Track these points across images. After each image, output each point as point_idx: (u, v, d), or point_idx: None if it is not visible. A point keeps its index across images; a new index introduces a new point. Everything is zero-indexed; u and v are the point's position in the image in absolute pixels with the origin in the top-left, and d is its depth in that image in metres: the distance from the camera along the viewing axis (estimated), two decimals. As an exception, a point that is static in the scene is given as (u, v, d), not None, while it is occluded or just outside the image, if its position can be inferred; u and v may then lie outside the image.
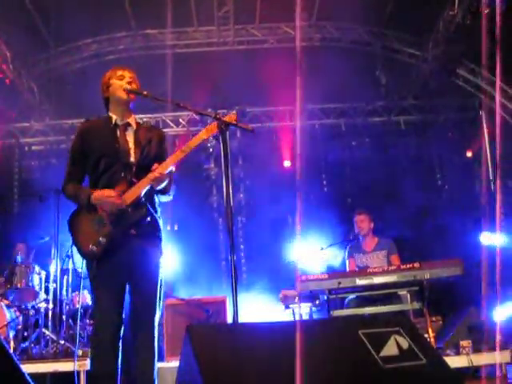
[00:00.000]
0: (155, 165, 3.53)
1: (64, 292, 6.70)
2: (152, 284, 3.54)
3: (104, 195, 3.49)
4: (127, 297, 3.55)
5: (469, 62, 9.53)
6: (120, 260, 3.47)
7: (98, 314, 3.52)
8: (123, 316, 3.52)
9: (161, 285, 3.58)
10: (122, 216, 3.49)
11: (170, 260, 7.95)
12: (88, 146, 3.63)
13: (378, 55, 9.81)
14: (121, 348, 3.49)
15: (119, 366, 3.45)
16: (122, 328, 3.51)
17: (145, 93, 3.60)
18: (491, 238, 8.14)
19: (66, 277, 6.71)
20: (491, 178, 9.52)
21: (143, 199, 3.54)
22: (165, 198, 3.76)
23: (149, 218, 3.58)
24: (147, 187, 3.51)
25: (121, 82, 3.65)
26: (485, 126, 9.89)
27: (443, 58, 8.91)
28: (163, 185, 3.57)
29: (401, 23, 9.15)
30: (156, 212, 3.66)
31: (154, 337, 3.49)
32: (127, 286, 3.55)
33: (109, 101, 3.75)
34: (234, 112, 3.50)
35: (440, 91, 9.82)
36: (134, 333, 3.52)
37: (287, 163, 10.11)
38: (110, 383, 3.39)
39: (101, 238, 3.45)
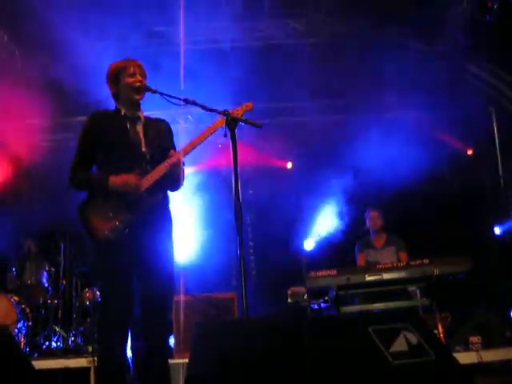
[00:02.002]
0: (172, 151, 3.57)
1: (74, 288, 6.73)
2: (165, 273, 3.55)
3: (123, 177, 3.47)
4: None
5: (478, 57, 9.47)
6: (134, 246, 3.46)
7: (106, 300, 3.49)
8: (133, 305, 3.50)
9: (173, 274, 3.60)
10: (138, 202, 3.49)
11: (180, 256, 7.97)
12: (98, 137, 3.62)
13: (385, 50, 9.76)
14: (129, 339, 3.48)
15: (127, 355, 3.44)
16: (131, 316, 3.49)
17: (153, 89, 3.62)
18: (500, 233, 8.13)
19: (75, 273, 6.74)
20: (500, 173, 9.48)
21: (159, 186, 3.56)
22: (175, 189, 3.78)
23: (163, 206, 3.60)
24: (165, 172, 3.52)
25: (131, 79, 3.64)
26: (494, 121, 9.85)
27: (452, 53, 8.85)
28: (179, 171, 3.58)
29: (409, 18, 9.10)
30: (168, 202, 3.70)
31: (166, 329, 3.49)
32: (137, 274, 3.53)
33: (117, 93, 3.74)
34: (250, 103, 3.52)
35: (449, 87, 9.76)
36: (145, 325, 3.51)
37: (289, 165, 10.12)
38: (118, 371, 3.38)
39: (118, 223, 3.44)
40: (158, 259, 3.53)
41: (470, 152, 10.14)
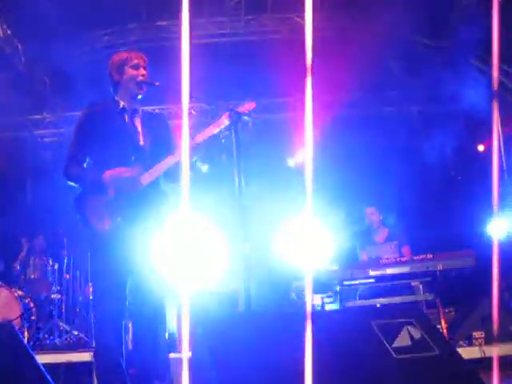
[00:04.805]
0: (197, 135, 3.50)
1: (77, 283, 6.74)
2: (157, 269, 3.52)
3: (119, 171, 3.41)
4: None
5: (482, 51, 9.43)
6: (131, 242, 3.43)
7: (101, 296, 3.48)
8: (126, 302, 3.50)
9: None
10: (140, 197, 3.43)
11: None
12: (96, 128, 3.55)
13: (390, 44, 9.74)
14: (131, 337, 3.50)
15: (123, 351, 3.44)
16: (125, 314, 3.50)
17: (157, 83, 3.58)
18: (502, 229, 8.10)
19: (78, 268, 6.75)
20: (504, 168, 9.45)
21: (159, 181, 3.51)
22: (175, 184, 3.72)
23: (162, 202, 3.57)
24: (172, 163, 3.44)
25: (135, 72, 3.58)
26: (497, 116, 9.80)
27: (456, 47, 8.81)
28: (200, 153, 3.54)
29: (413, 11, 9.07)
30: (167, 197, 3.66)
31: (157, 327, 3.48)
32: (130, 270, 3.51)
33: (118, 84, 3.67)
34: (252, 102, 3.49)
35: (453, 81, 9.73)
36: (137, 323, 3.53)
37: (299, 157, 10.02)
38: (117, 369, 3.37)
39: (119, 219, 3.39)
40: (149, 256, 3.50)
41: (481, 148, 10.05)
